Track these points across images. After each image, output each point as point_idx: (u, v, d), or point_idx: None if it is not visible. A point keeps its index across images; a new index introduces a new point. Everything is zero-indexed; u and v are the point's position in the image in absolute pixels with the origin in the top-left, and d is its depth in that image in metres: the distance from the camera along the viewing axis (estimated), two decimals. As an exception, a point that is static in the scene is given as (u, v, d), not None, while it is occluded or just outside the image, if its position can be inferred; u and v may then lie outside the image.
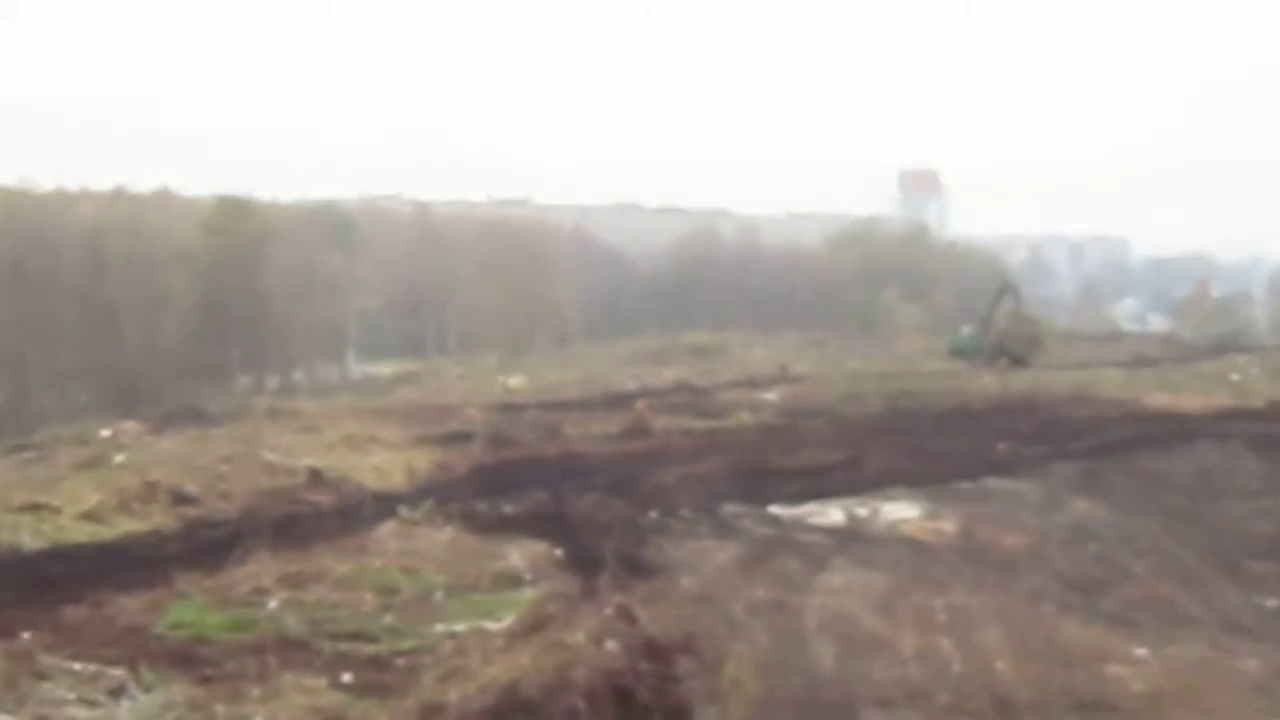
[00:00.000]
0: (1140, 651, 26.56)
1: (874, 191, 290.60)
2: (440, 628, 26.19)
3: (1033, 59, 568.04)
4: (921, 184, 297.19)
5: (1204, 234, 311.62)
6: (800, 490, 41.85)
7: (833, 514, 39.45)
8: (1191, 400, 60.92)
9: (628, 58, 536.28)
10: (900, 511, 39.73)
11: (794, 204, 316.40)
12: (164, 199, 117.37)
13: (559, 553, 32.86)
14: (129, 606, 27.29)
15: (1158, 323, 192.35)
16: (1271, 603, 34.01)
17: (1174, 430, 52.29)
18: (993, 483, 44.59)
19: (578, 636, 21.73)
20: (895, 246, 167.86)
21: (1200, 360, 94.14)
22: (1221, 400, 61.58)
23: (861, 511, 39.66)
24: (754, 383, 77.79)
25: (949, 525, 37.89)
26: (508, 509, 38.06)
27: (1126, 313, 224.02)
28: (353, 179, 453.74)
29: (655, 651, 21.96)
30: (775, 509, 39.76)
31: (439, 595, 29.06)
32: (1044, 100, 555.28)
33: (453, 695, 19.98)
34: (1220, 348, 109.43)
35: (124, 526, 35.58)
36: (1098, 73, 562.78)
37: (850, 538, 36.48)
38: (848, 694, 23.15)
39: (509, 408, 64.16)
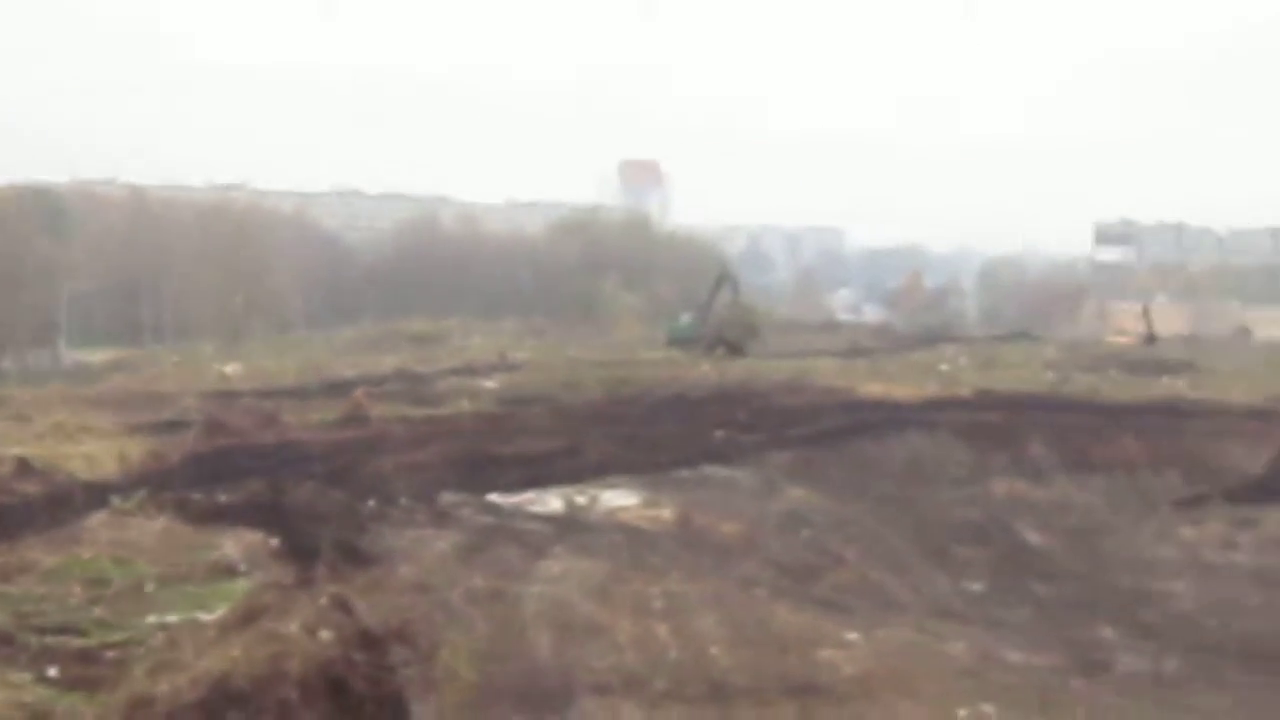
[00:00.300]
0: (851, 636, 27.07)
1: (596, 181, 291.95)
2: (152, 619, 25.52)
3: (743, 46, 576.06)
4: (642, 173, 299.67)
5: (917, 226, 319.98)
6: (519, 478, 41.81)
7: (552, 502, 39.48)
8: (903, 389, 62.22)
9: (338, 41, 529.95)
10: (619, 499, 39.93)
11: (516, 192, 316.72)
12: None
13: (275, 542, 32.28)
14: None
15: (872, 313, 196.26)
16: (977, 587, 35.01)
17: (886, 419, 53.35)
18: (710, 470, 45.07)
19: (291, 627, 21.32)
20: (616, 235, 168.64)
21: (912, 350, 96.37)
22: (932, 390, 63.05)
23: (580, 499, 39.76)
24: (474, 370, 77.40)
25: (667, 512, 38.18)
26: (223, 498, 37.28)
27: (842, 303, 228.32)
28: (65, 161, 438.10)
29: (370, 641, 21.68)
30: (494, 497, 39.65)
31: (151, 586, 28.31)
32: (760, 89, 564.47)
33: (162, 688, 19.45)
34: (931, 338, 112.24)
35: None
36: (811, 61, 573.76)
37: (569, 525, 36.54)
38: (565, 681, 23.17)
39: (225, 395, 62.89)
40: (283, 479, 39.23)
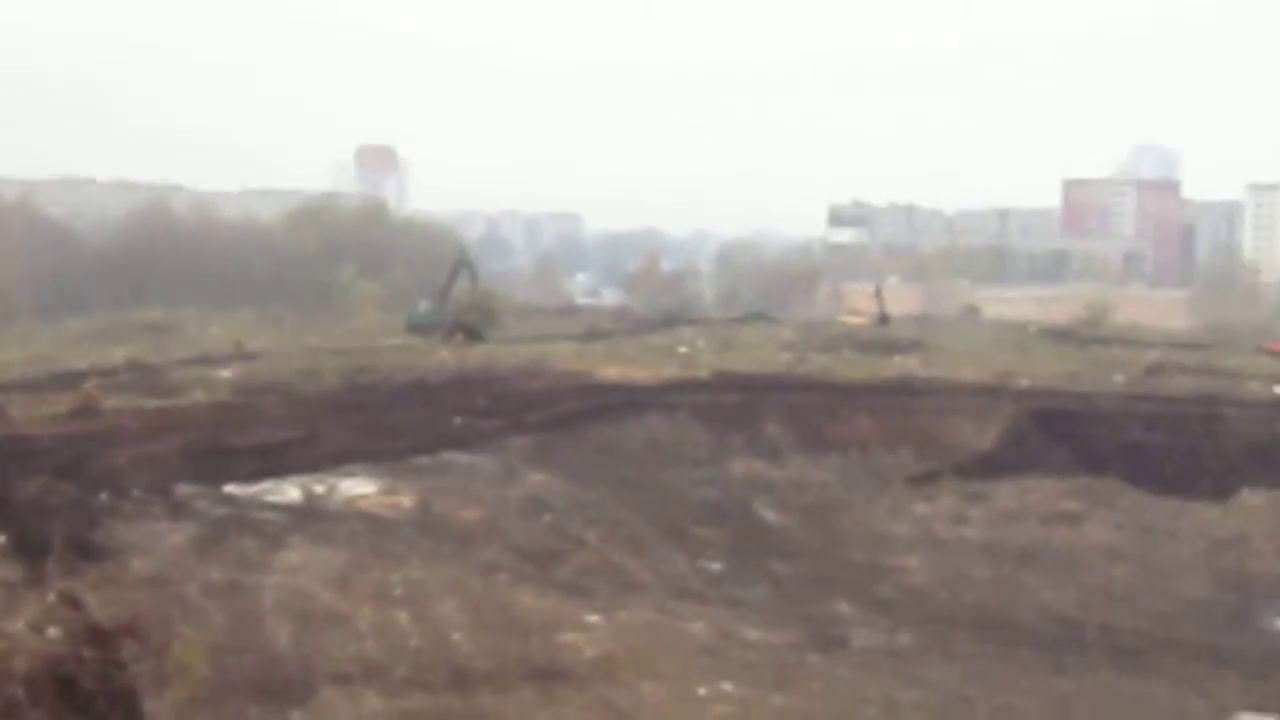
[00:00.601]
0: (592, 618, 27.22)
1: (333, 168, 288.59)
2: None
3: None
4: (379, 159, 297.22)
5: (654, 211, 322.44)
6: (256, 468, 41.21)
7: (289, 491, 39.03)
8: (641, 372, 62.61)
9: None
10: (358, 487, 39.62)
11: (250, 180, 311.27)
12: None
13: (2, 539, 31.35)
14: None
15: (611, 297, 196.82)
16: (716, 567, 35.45)
17: (625, 402, 53.66)
18: (449, 456, 44.92)
19: (18, 625, 20.73)
20: (352, 222, 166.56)
21: (651, 333, 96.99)
22: (670, 372, 63.54)
23: (319, 488, 39.38)
24: (209, 360, 75.95)
25: (406, 500, 38.00)
26: (-56, 496, 36.06)
27: (581, 287, 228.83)
28: None
29: (100, 637, 21.12)
30: (231, 488, 39.05)
31: None
32: (501, 77, 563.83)
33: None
34: (669, 320, 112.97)
35: None
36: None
37: (307, 515, 36.18)
38: (305, 672, 22.93)
39: (-54, 389, 60.80)
40: (9, 475, 38.06)
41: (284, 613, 26.25)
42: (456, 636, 25.11)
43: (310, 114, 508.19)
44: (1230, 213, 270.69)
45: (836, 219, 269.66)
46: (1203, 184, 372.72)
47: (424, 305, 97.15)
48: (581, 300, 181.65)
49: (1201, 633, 35.74)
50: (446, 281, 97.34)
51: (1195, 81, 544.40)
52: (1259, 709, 26.96)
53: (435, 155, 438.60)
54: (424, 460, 44.20)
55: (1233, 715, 26.53)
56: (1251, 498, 46.90)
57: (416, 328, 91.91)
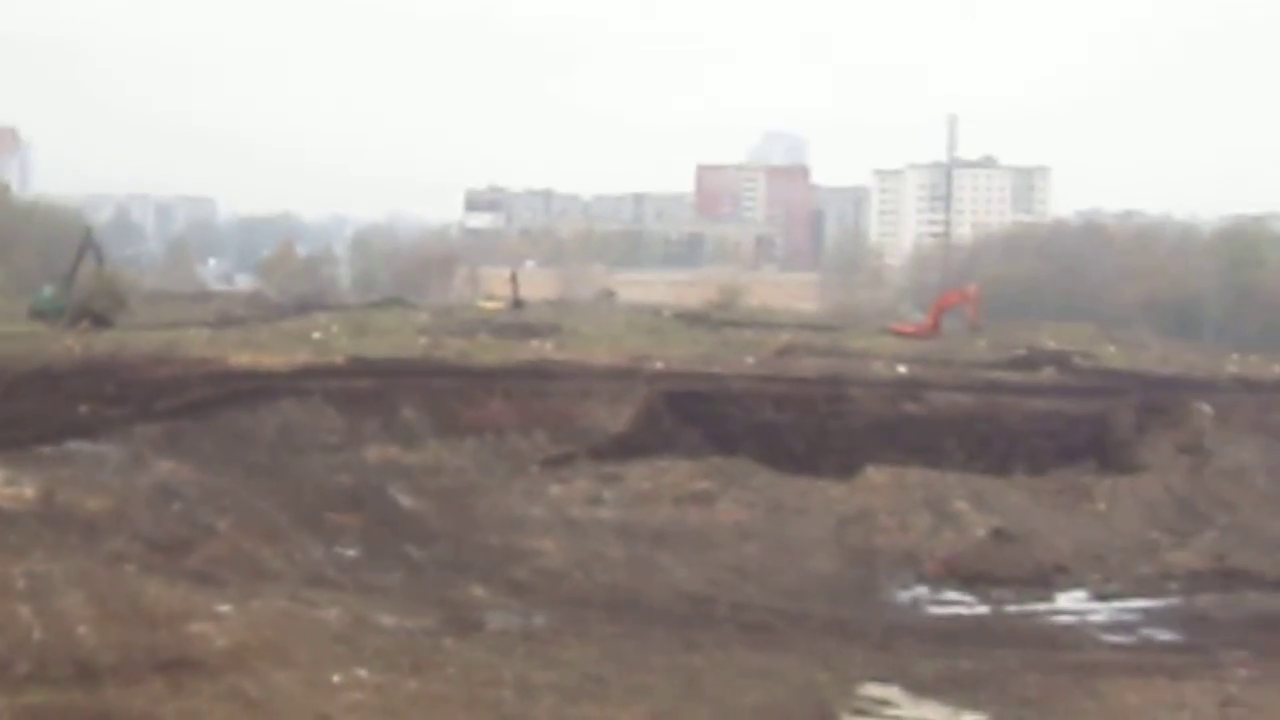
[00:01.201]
0: (224, 608, 26.81)
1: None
2: None
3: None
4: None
5: (289, 195, 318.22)
6: None
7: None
8: (275, 358, 61.75)
9: None
10: (-26, 478, 38.23)
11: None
12: None
13: None
14: None
15: (245, 282, 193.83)
16: (351, 553, 35.29)
17: (258, 388, 52.84)
18: (75, 445, 43.65)
19: None
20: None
21: (285, 318, 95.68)
22: (304, 358, 62.78)
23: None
24: None
25: (29, 490, 36.79)
26: None
27: (214, 272, 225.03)
28: None
29: None
30: None
31: None
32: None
33: None
34: (305, 306, 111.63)
35: None
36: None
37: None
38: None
39: None
40: None
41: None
42: (82, 629, 24.43)
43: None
44: (857, 198, 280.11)
45: (473, 204, 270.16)
46: (832, 170, 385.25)
47: (48, 290, 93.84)
48: (215, 286, 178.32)
49: (829, 607, 36.97)
50: (71, 265, 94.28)
51: (823, 71, 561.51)
52: (883, 679, 27.99)
53: (62, 138, 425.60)
54: (48, 450, 42.82)
55: (858, 686, 27.46)
56: (876, 474, 48.63)
57: (40, 313, 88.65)
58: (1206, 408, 55.24)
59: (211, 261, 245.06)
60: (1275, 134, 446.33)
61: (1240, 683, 29.16)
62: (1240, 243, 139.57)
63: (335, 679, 23.16)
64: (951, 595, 40.10)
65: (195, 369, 58.42)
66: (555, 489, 45.84)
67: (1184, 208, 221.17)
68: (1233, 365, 66.60)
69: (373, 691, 22.89)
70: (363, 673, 23.64)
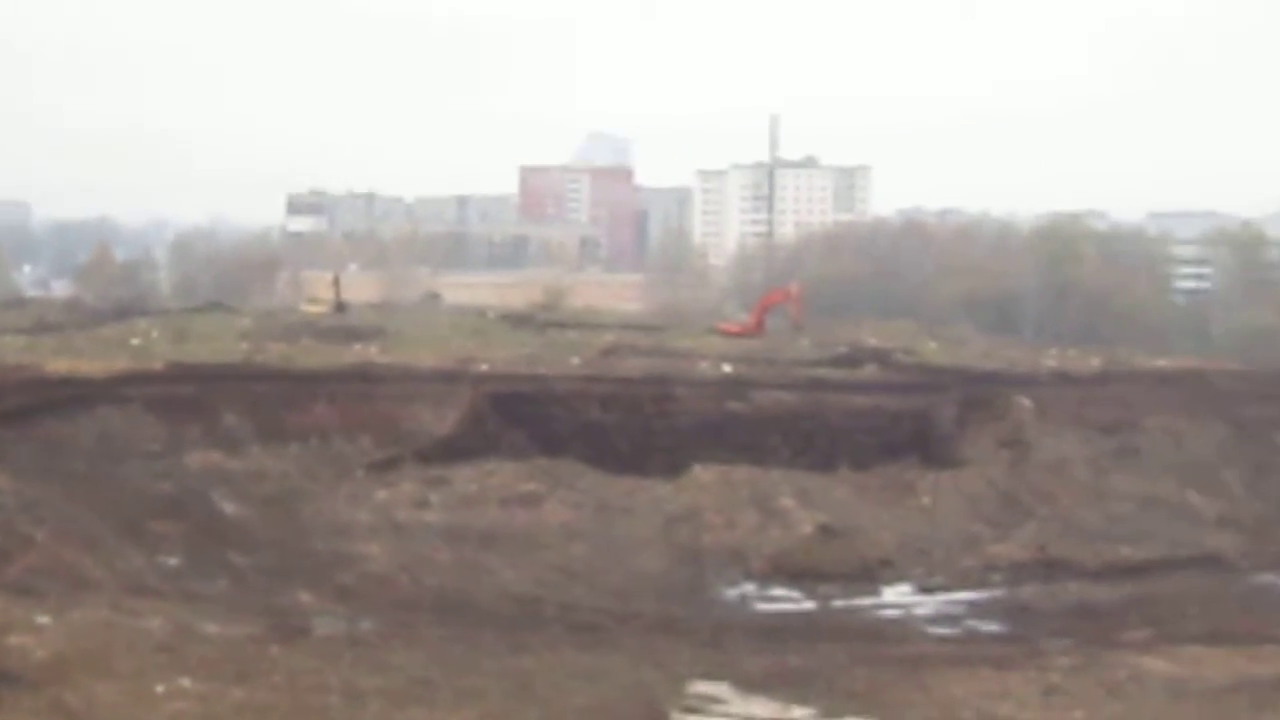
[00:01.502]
0: (43, 619, 26.32)
1: None
2: None
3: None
4: None
5: (106, 199, 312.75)
6: None
7: None
8: (92, 365, 60.68)
9: None
10: None
11: None
12: None
13: None
14: None
15: (62, 288, 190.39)
16: (173, 561, 34.81)
17: (75, 396, 51.83)
18: None
19: None
20: None
21: (103, 325, 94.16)
22: (122, 364, 61.74)
23: None
24: None
25: None
26: None
27: (30, 279, 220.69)
28: None
29: None
30: None
31: None
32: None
33: None
34: (123, 312, 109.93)
35: None
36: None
37: None
38: None
39: None
40: None
41: None
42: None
43: None
44: (681, 198, 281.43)
45: (295, 207, 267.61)
46: (657, 172, 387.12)
47: None
48: (31, 292, 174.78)
49: (658, 606, 37.20)
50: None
51: (647, 72, 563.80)
52: (712, 677, 28.19)
53: None
54: None
55: (687, 684, 27.62)
56: (703, 473, 48.96)
57: None
58: (1027, 402, 56.26)
59: (26, 268, 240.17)
60: (1093, 133, 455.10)
61: (1062, 671, 29.77)
62: (1058, 240, 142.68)
63: (159, 689, 22.82)
64: (779, 592, 40.54)
65: (9, 376, 57.20)
66: (381, 493, 45.60)
67: (1001, 206, 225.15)
68: (1052, 360, 67.95)
69: (197, 701, 22.59)
70: (186, 682, 23.32)
